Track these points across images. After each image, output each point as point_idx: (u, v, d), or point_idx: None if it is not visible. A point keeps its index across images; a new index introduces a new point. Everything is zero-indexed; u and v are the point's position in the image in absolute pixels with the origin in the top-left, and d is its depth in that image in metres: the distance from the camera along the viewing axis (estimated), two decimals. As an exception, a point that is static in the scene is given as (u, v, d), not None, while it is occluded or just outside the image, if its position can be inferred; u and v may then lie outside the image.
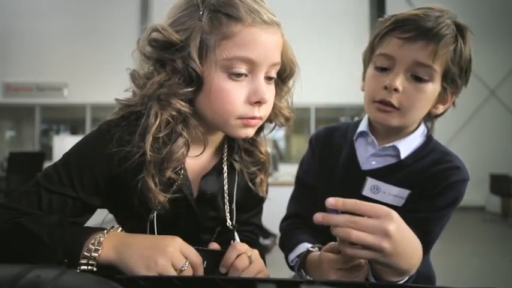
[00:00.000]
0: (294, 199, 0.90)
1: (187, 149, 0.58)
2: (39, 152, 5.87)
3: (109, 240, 0.50)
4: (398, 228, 0.49)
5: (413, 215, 0.66)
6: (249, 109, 0.57)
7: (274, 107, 0.64)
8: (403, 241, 0.49)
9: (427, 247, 0.67)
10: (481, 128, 6.92)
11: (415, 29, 0.62)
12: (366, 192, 0.74)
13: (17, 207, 0.55)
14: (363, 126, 0.78)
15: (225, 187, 0.68)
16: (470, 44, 0.65)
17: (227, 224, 0.69)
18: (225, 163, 0.68)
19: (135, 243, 0.51)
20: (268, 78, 0.59)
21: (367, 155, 0.77)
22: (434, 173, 0.69)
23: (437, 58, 0.62)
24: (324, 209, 0.50)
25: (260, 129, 0.69)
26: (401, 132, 0.73)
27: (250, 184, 0.72)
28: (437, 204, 0.68)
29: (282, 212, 0.90)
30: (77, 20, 7.51)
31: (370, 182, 0.74)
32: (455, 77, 0.66)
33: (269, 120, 0.68)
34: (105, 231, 0.52)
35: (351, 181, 0.77)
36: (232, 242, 0.64)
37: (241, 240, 0.67)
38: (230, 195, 0.69)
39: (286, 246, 0.78)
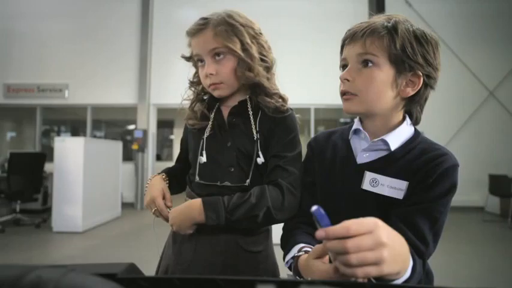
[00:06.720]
0: None
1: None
2: (40, 152, 5.85)
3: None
4: (388, 233, 0.49)
5: (418, 206, 0.70)
6: (208, 80, 0.93)
7: (250, 64, 0.91)
8: (395, 243, 0.50)
9: (437, 235, 0.71)
10: (480, 129, 6.91)
11: (352, 33, 0.79)
12: (366, 186, 0.77)
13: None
14: (356, 125, 0.85)
15: (251, 117, 0.94)
16: (408, 33, 0.74)
17: (255, 156, 0.91)
18: (249, 102, 0.95)
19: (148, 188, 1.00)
20: (217, 55, 0.90)
21: (361, 150, 0.82)
22: (425, 161, 0.73)
23: (370, 46, 0.74)
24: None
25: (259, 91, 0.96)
26: (386, 125, 0.79)
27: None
28: (437, 193, 0.70)
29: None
30: (78, 22, 7.52)
31: (369, 175, 0.77)
32: (403, 59, 0.73)
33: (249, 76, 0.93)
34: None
35: (349, 176, 0.80)
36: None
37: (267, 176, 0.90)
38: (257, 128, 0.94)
39: (285, 247, 0.80)
